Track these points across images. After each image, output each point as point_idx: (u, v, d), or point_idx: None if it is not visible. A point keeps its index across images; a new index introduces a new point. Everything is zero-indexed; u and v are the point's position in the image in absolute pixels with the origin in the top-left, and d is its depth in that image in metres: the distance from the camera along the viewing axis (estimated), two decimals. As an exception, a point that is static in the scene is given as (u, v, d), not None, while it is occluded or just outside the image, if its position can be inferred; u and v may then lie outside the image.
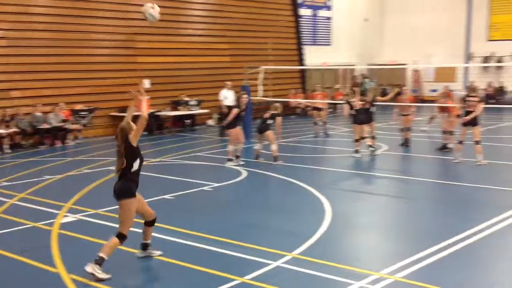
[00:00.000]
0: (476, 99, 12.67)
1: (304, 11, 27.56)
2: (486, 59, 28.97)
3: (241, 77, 19.12)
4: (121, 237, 6.23)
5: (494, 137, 16.71)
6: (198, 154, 14.67)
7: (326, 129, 18.21)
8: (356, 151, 13.81)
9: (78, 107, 18.05)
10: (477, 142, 12.50)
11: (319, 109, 18.36)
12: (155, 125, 19.12)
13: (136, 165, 6.20)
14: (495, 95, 27.65)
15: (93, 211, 8.82)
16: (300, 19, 26.82)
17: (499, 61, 28.37)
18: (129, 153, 6.15)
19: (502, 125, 20.82)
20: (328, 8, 29.37)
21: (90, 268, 5.98)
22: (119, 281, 6.05)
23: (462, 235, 7.35)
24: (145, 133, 18.54)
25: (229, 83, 18.82)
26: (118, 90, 18.88)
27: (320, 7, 28.88)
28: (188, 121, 20.52)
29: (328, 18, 29.40)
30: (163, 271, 6.47)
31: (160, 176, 11.62)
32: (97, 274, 5.97)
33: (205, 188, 10.52)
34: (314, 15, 28.56)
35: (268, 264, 6.33)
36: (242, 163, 12.75)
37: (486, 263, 6.58)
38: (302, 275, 6.10)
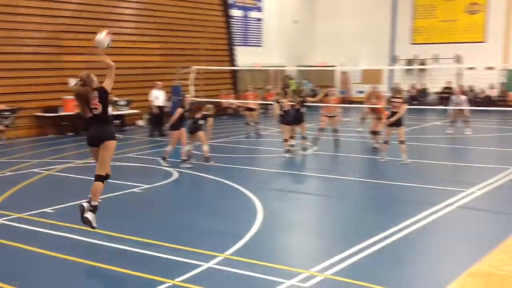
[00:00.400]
0: (400, 100, 13.11)
1: (235, 12, 27.63)
2: (409, 61, 30.14)
3: (172, 77, 18.94)
4: (101, 178, 6.93)
5: (418, 137, 17.37)
6: (127, 155, 14.38)
7: (257, 130, 18.33)
8: (287, 151, 13.98)
9: (0, 107, 17.27)
10: (401, 142, 12.94)
11: (251, 110, 18.47)
12: (81, 125, 18.54)
13: (110, 109, 7.02)
14: (418, 97, 28.80)
15: (16, 215, 8.46)
16: (231, 20, 26.87)
17: (422, 64, 29.57)
18: (106, 99, 6.82)
19: (425, 125, 21.70)
20: (259, 9, 29.60)
21: (89, 216, 6.75)
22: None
23: (389, 232, 7.59)
24: (71, 133, 17.99)
25: (159, 83, 18.59)
26: (43, 90, 18.21)
27: (251, 9, 29.05)
28: (117, 121, 20.07)
29: (259, 20, 29.62)
30: (91, 276, 6.29)
31: (87, 178, 11.22)
32: (94, 224, 6.79)
33: (135, 190, 10.32)
34: (245, 16, 28.70)
35: (199, 266, 6.28)
36: (190, 166, 12.47)
37: (412, 258, 6.82)
38: (234, 275, 6.10)
